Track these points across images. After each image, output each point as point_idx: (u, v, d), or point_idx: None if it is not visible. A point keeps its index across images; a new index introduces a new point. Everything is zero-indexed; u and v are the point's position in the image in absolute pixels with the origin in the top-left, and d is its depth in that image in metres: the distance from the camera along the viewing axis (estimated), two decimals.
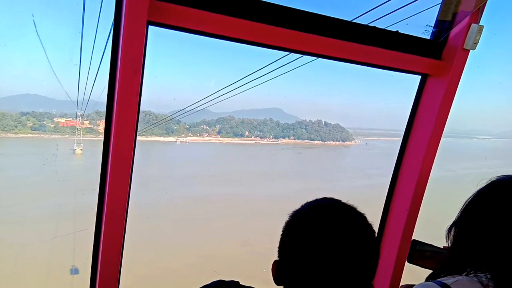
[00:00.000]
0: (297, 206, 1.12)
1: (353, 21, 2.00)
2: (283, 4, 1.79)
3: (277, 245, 1.10)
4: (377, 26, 2.04)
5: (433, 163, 2.24)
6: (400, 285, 1.54)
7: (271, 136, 49.65)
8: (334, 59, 2.05)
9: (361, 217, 1.07)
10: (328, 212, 1.05)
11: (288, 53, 2.19)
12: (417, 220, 2.31)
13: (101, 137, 1.66)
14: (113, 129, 1.56)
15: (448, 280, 1.32)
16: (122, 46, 1.47)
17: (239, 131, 48.24)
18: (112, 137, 1.56)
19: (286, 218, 1.09)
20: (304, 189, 30.85)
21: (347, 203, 1.10)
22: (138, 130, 1.67)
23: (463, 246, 1.43)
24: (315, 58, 2.31)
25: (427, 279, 1.51)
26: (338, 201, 1.10)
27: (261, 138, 49.16)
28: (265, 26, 1.72)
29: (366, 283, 1.04)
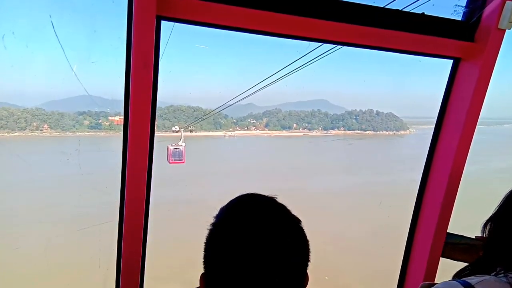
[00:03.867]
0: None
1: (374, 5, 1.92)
2: None
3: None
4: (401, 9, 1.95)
5: (467, 153, 2.10)
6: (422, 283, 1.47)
7: (320, 128, 48.73)
8: (358, 47, 1.99)
9: (281, 208, 1.05)
10: (246, 214, 1.02)
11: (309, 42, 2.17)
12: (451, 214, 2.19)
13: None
14: (130, 124, 1.61)
15: (473, 279, 1.24)
16: (133, 41, 1.51)
17: (287, 124, 47.95)
18: (129, 132, 1.62)
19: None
20: (360, 183, 29.95)
21: (265, 195, 1.07)
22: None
23: (497, 243, 1.34)
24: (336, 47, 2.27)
25: (454, 277, 1.44)
26: (253, 198, 1.07)
27: (309, 130, 48.46)
28: (284, 16, 1.69)
29: (299, 274, 1.01)
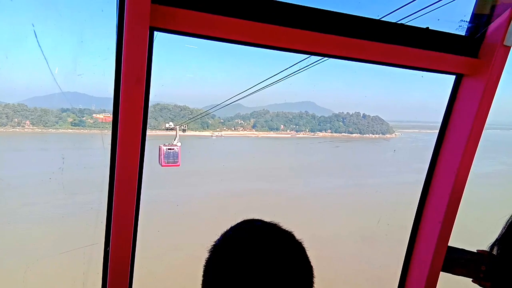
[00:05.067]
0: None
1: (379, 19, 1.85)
2: (298, 3, 1.67)
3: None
4: (405, 24, 1.89)
5: (470, 169, 2.05)
6: None
7: (307, 130, 49.01)
8: (358, 61, 1.91)
9: (285, 235, 1.04)
10: (250, 241, 1.00)
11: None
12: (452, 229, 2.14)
13: None
14: (118, 139, 1.51)
15: None
16: (124, 54, 1.40)
17: (274, 125, 48.03)
18: (118, 150, 1.51)
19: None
20: (347, 185, 30.15)
21: (271, 223, 1.06)
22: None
23: (507, 270, 1.29)
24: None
25: None
26: (260, 226, 1.05)
27: (296, 131, 48.68)
28: (279, 28, 1.60)
29: None
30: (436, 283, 2.22)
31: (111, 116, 1.60)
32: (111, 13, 1.52)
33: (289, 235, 1.05)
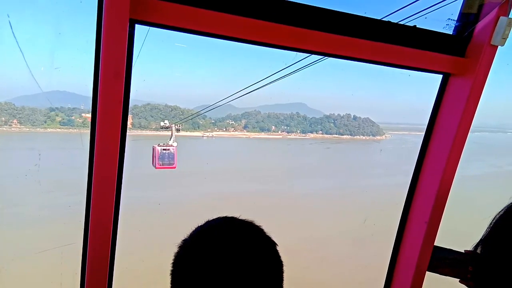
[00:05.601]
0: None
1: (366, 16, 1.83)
2: None
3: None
4: (392, 21, 1.87)
5: (455, 170, 2.04)
6: None
7: (298, 131, 49.15)
8: (346, 59, 1.89)
9: (256, 232, 1.04)
10: (220, 237, 0.99)
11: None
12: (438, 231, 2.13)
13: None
14: (96, 136, 1.45)
15: None
16: (103, 47, 1.35)
17: (266, 126, 48.03)
18: (96, 147, 1.46)
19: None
20: (338, 187, 30.24)
21: (241, 219, 1.06)
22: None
23: (489, 270, 1.26)
24: (324, 57, 2.17)
25: None
26: (229, 221, 1.05)
27: (288, 132, 48.77)
28: (269, 24, 1.57)
29: None
30: (422, 283, 2.21)
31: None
32: (90, 4, 1.47)
33: (259, 231, 1.04)
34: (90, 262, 1.62)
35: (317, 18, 1.68)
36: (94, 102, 1.46)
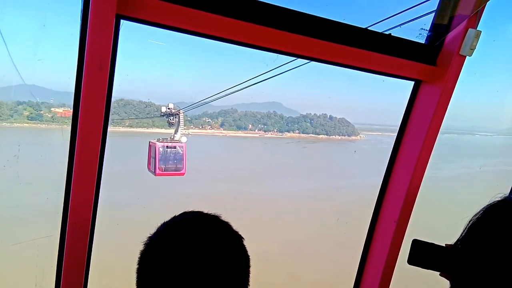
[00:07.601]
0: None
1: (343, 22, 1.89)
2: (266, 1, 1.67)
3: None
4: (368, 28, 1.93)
5: (424, 172, 2.14)
6: None
7: (275, 130, 49.38)
8: (324, 62, 1.94)
9: (223, 227, 1.05)
10: (187, 231, 1.00)
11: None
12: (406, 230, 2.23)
13: None
14: (78, 129, 1.46)
15: None
16: (88, 40, 1.36)
17: (243, 124, 47.93)
18: (78, 139, 1.46)
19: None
20: (317, 188, 30.49)
21: (208, 213, 1.06)
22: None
23: (466, 272, 1.30)
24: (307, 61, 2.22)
25: None
26: (196, 216, 1.06)
27: (265, 131, 48.90)
28: (248, 24, 1.62)
29: None
30: (391, 279, 2.30)
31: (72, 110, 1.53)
32: None
33: (226, 226, 1.05)
34: (68, 255, 1.61)
35: (299, 22, 1.73)
36: (76, 94, 1.46)
